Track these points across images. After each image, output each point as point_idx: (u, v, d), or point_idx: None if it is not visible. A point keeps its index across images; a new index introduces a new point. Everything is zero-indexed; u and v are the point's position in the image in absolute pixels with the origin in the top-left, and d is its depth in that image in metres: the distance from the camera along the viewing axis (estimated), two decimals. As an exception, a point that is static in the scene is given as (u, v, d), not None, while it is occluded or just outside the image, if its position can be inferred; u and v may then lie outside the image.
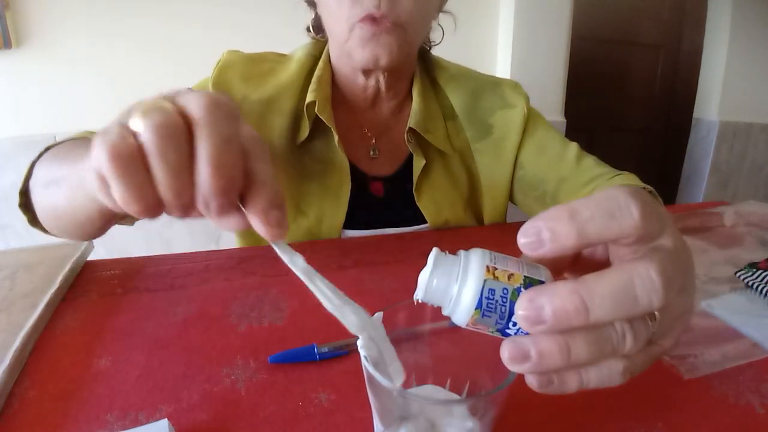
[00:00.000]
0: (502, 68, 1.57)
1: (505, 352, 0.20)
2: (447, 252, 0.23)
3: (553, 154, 0.67)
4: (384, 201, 0.67)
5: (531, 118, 0.69)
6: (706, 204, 0.79)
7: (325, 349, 0.38)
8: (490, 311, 0.21)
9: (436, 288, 0.23)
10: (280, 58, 0.68)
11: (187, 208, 0.22)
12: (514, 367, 0.20)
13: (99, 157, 0.21)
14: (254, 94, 0.62)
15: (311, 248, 0.60)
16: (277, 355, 0.38)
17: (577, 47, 1.65)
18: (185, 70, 1.20)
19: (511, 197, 0.73)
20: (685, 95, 2.23)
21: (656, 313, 0.21)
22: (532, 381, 0.21)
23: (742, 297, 0.48)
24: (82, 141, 0.48)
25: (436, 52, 0.74)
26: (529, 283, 0.21)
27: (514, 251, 0.22)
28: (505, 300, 0.21)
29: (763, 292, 0.48)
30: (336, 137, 0.61)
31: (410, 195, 0.66)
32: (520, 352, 0.20)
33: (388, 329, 0.28)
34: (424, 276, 0.23)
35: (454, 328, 0.29)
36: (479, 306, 0.21)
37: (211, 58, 0.65)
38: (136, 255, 0.57)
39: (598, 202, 0.20)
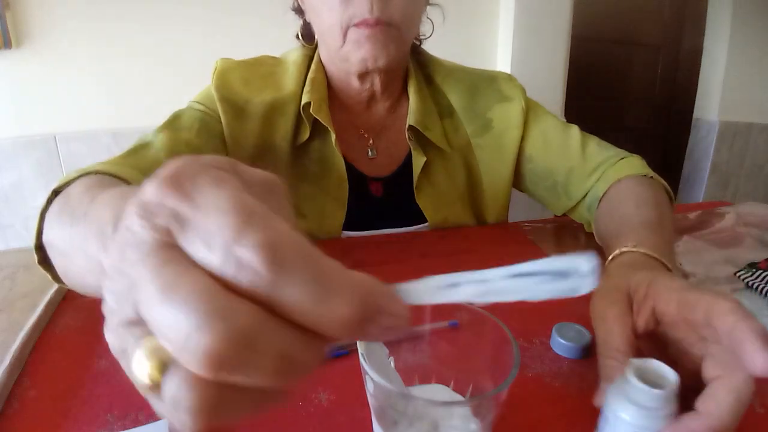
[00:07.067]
0: (502, 68, 1.57)
1: None
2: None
3: (558, 144, 0.68)
4: (383, 201, 0.67)
5: (530, 110, 0.70)
6: (707, 204, 0.79)
7: (325, 349, 0.38)
8: None
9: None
10: (276, 61, 0.68)
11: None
12: None
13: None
14: (257, 97, 0.62)
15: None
16: (277, 355, 0.37)
17: (577, 47, 1.65)
18: (185, 71, 1.20)
19: (520, 186, 0.73)
20: (685, 95, 2.23)
21: None
22: None
23: (742, 297, 0.48)
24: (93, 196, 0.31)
25: (436, 53, 0.74)
26: None
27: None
28: None
29: (763, 292, 0.48)
30: (333, 137, 0.61)
31: (409, 195, 0.66)
32: None
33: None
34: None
35: (455, 329, 0.29)
36: None
37: (210, 59, 0.65)
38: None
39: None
